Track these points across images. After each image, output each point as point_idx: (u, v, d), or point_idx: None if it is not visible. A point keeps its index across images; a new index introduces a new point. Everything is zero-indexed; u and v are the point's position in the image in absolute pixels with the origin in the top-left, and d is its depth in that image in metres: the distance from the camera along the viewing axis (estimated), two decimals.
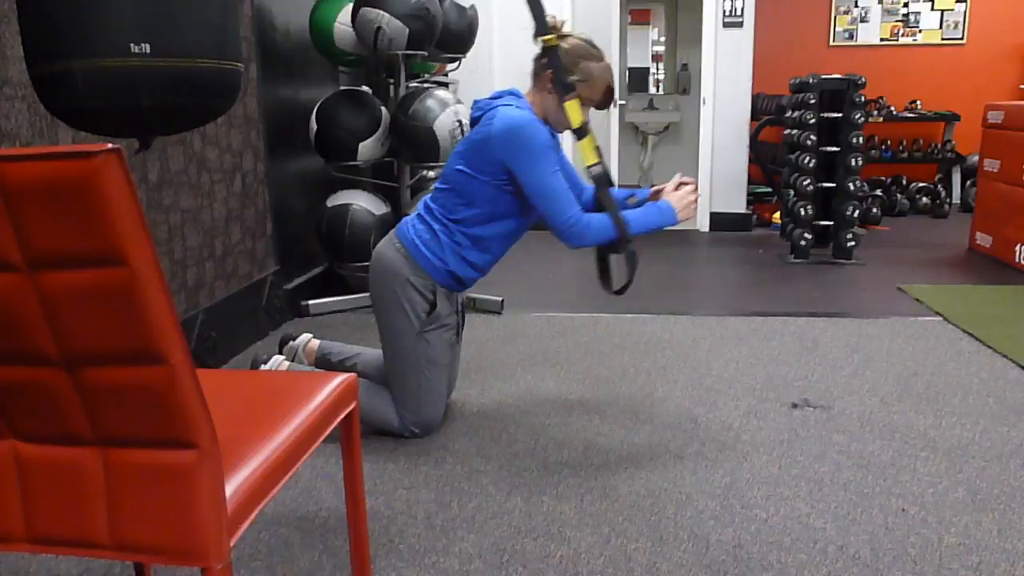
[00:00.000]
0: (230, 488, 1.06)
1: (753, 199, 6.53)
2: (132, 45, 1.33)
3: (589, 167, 2.28)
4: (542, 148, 2.17)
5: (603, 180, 2.29)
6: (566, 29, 2.29)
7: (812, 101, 4.86)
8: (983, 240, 5.03)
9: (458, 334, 2.46)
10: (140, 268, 0.88)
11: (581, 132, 2.24)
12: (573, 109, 2.22)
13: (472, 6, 4.07)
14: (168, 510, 1.01)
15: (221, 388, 1.41)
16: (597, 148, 2.30)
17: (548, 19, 2.23)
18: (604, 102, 2.33)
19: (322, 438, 1.33)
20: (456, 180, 2.25)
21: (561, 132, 2.31)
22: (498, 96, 2.29)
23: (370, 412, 2.30)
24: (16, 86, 2.01)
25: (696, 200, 2.32)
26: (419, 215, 2.34)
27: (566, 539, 1.80)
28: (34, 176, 0.85)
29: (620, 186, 2.54)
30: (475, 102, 2.33)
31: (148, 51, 1.33)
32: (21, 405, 1.02)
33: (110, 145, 0.84)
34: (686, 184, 2.33)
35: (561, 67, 2.21)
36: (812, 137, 4.85)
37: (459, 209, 2.26)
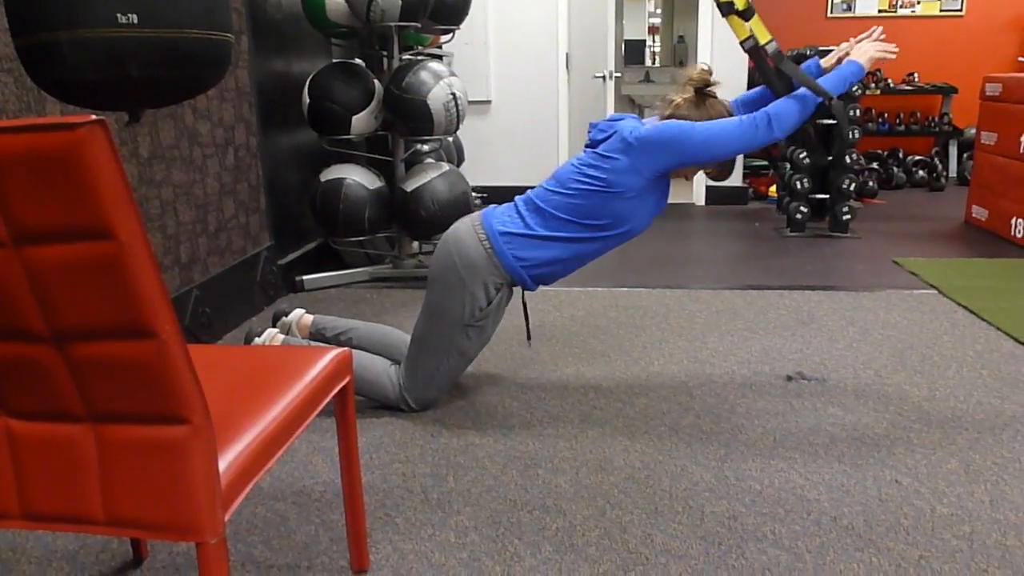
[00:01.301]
0: (223, 463, 1.05)
1: (749, 172, 6.51)
2: (119, 15, 1.30)
3: (764, 44, 2.28)
4: (676, 130, 2.17)
5: (782, 55, 2.29)
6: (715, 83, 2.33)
7: None
8: (979, 213, 5.02)
9: (528, 336, 2.49)
10: (128, 242, 0.87)
11: (748, 12, 2.26)
12: None
13: None
14: (162, 485, 1.01)
15: (214, 364, 1.40)
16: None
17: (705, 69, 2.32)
18: (722, 174, 2.40)
19: (315, 413, 1.33)
20: (581, 192, 2.21)
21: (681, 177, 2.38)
22: (619, 119, 2.29)
23: (365, 383, 2.30)
24: (1, 59, 1.98)
25: (882, 46, 2.31)
26: (518, 212, 2.29)
27: (562, 511, 1.80)
28: (17, 149, 0.84)
29: None
30: (593, 124, 2.32)
31: (135, 21, 1.31)
32: (11, 382, 1.02)
33: (94, 116, 0.83)
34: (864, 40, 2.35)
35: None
36: None
37: (577, 215, 2.22)
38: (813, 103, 2.21)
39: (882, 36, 2.35)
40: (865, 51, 2.29)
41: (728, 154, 2.21)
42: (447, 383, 2.33)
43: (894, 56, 2.31)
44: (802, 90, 2.22)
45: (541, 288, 3.65)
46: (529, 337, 2.48)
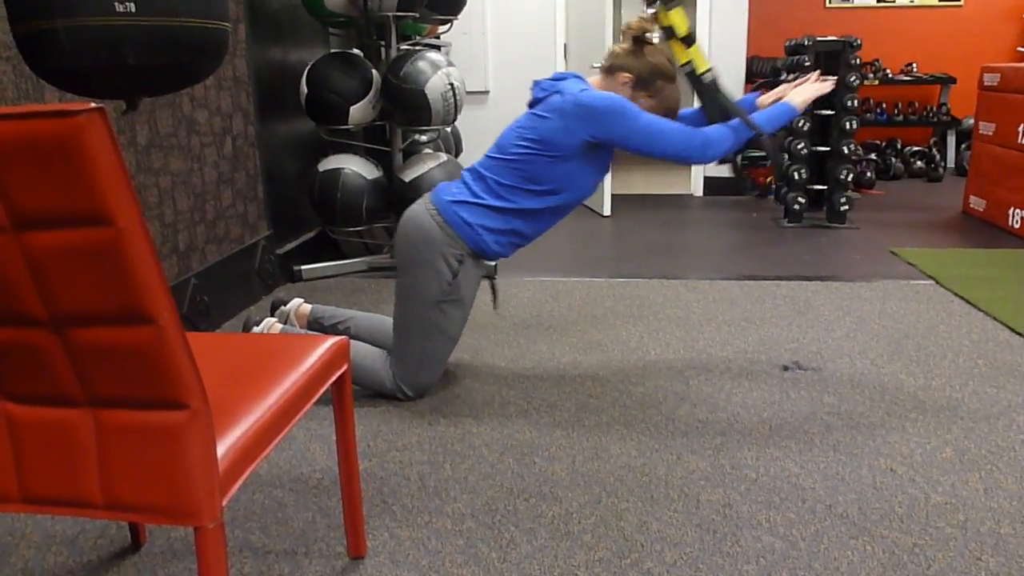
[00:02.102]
0: (222, 448, 1.06)
1: (747, 163, 6.50)
2: (116, 3, 1.30)
3: (702, 73, 2.30)
4: (620, 104, 2.18)
5: (720, 85, 2.32)
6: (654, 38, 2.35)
7: (807, 63, 4.83)
8: (977, 204, 5.03)
9: (494, 305, 2.52)
10: (126, 228, 0.88)
11: (689, 39, 2.27)
12: (679, 16, 2.26)
13: None
14: (160, 470, 1.02)
15: (213, 350, 1.41)
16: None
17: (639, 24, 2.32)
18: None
19: (313, 400, 1.34)
20: (520, 156, 2.24)
21: None
22: (561, 78, 2.29)
23: (362, 373, 2.31)
24: (0, 47, 1.98)
25: (817, 86, 2.35)
26: (464, 182, 2.32)
27: (558, 499, 1.82)
28: (17, 135, 0.84)
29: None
30: (536, 82, 2.33)
31: (133, 9, 1.31)
32: (10, 366, 1.02)
33: (93, 104, 0.83)
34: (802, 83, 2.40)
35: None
36: None
37: (518, 180, 2.25)
38: (745, 135, 2.25)
39: (820, 79, 2.40)
40: (801, 92, 2.34)
41: (658, 154, 2.23)
42: (436, 364, 2.34)
43: (830, 89, 2.38)
44: (736, 120, 2.26)
45: (538, 277, 3.67)
46: (495, 304, 2.51)
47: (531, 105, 2.31)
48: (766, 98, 2.44)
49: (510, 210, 2.27)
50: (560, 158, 2.21)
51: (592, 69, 5.70)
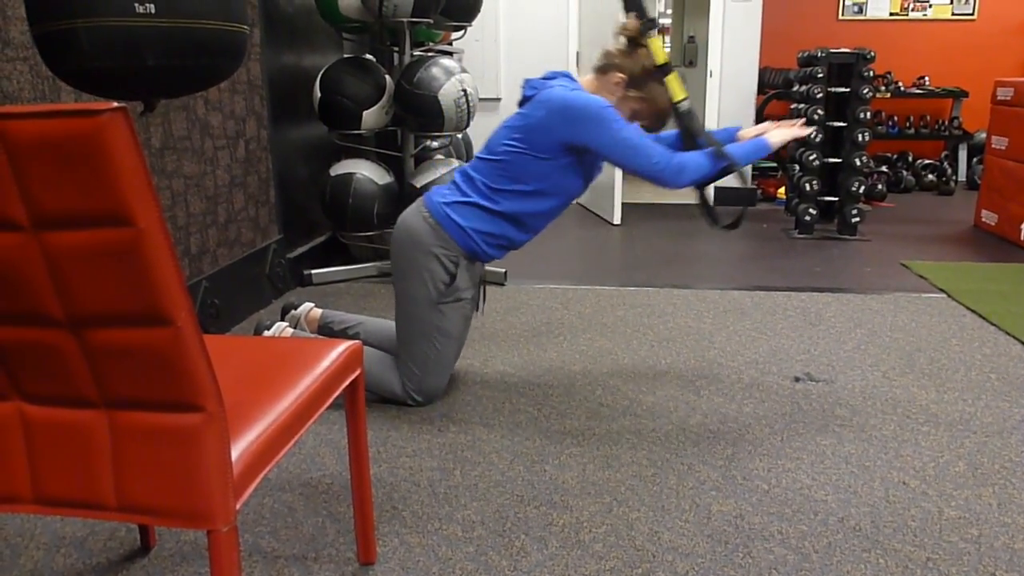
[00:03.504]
0: (236, 451, 1.06)
1: (758, 174, 6.49)
2: (137, 4, 1.31)
3: (678, 102, 2.29)
4: (602, 111, 2.17)
5: (694, 115, 2.31)
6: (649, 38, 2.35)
7: (820, 75, 4.82)
8: (989, 218, 5.01)
9: (477, 307, 2.48)
10: (146, 228, 0.88)
11: (666, 68, 2.27)
12: (656, 45, 2.26)
13: None
14: (174, 472, 1.01)
15: (226, 353, 1.41)
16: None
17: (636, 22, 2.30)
18: (654, 127, 2.38)
19: (327, 403, 1.33)
20: (506, 155, 2.24)
21: None
22: (552, 77, 2.30)
23: (372, 379, 2.31)
24: (18, 47, 1.99)
25: (795, 130, 2.37)
26: (455, 184, 2.33)
27: (568, 507, 1.81)
28: (39, 134, 0.84)
29: None
30: (527, 81, 2.33)
31: (153, 11, 1.32)
32: (26, 366, 1.02)
33: (115, 104, 0.83)
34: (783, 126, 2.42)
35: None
36: (819, 111, 4.81)
37: (504, 182, 2.25)
38: (719, 166, 2.26)
39: (803, 127, 2.41)
40: (779, 132, 2.35)
41: (632, 169, 2.22)
42: (441, 367, 2.33)
43: (805, 135, 2.41)
44: (711, 150, 2.26)
45: (548, 285, 3.67)
46: (481, 309, 2.49)
47: (520, 104, 2.31)
48: (747, 132, 2.44)
49: (499, 212, 2.27)
50: (544, 159, 2.21)
51: None
